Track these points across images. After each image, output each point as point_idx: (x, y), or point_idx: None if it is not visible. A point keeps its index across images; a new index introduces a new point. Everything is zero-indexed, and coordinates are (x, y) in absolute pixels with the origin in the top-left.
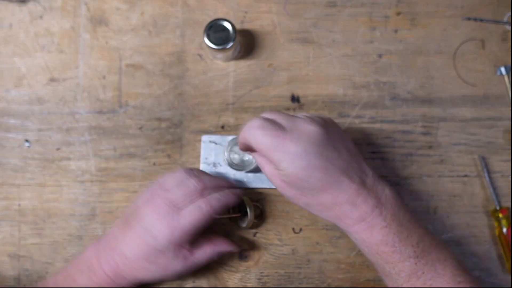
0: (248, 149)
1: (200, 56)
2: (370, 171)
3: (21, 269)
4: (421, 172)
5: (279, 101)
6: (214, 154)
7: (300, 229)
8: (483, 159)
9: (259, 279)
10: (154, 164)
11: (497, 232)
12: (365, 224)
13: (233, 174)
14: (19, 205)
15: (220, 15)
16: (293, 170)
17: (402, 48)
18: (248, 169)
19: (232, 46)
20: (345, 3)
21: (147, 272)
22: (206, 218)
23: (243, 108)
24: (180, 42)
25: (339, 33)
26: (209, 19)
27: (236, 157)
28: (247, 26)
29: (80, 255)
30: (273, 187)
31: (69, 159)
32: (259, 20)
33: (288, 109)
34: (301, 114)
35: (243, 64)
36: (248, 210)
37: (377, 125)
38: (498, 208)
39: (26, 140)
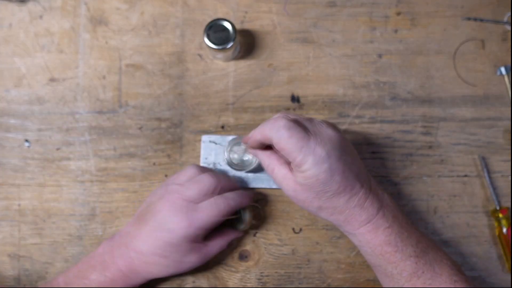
0: (259, 147)
1: (200, 56)
2: (371, 177)
3: (21, 269)
4: (421, 172)
5: (279, 101)
6: (214, 154)
7: (300, 229)
8: (483, 159)
9: (259, 279)
10: (154, 164)
11: (497, 232)
12: (370, 225)
13: (233, 174)
14: (19, 205)
15: (220, 15)
16: (315, 172)
17: (402, 48)
18: (248, 169)
19: (232, 46)
20: (345, 3)
21: (161, 267)
22: (222, 215)
23: (243, 108)
24: (180, 42)
25: (339, 33)
26: (209, 19)
27: (236, 157)
28: (247, 26)
29: (92, 252)
30: (273, 187)
31: (69, 159)
32: (259, 20)
33: (288, 109)
34: (312, 118)
35: (243, 64)
36: (246, 212)
37: (377, 125)
38: (498, 208)
39: (26, 140)
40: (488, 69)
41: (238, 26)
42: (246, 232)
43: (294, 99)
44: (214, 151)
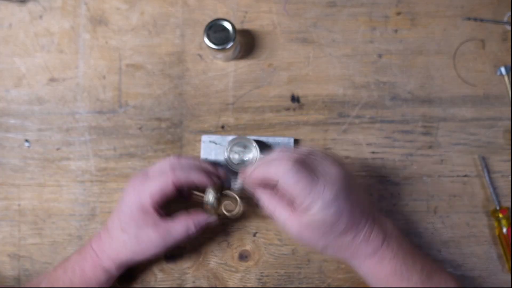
0: (262, 185)
1: (200, 56)
2: (374, 206)
3: (21, 269)
4: (421, 172)
5: (279, 101)
6: (214, 154)
7: None
8: (483, 159)
9: (259, 279)
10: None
11: (497, 232)
12: (376, 257)
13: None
14: (19, 205)
15: (220, 15)
16: (323, 215)
17: (402, 48)
18: None
19: (232, 46)
20: (345, 3)
21: (121, 243)
22: (168, 184)
23: (243, 108)
24: (180, 42)
25: (339, 33)
26: (209, 19)
27: (236, 157)
28: (247, 26)
29: None
30: None
31: (69, 159)
32: (259, 20)
33: (288, 109)
34: (313, 150)
35: (243, 64)
36: (209, 193)
37: (377, 125)
38: (498, 208)
39: (26, 140)
40: (488, 69)
41: (238, 26)
42: (246, 232)
43: (294, 99)
44: (214, 151)
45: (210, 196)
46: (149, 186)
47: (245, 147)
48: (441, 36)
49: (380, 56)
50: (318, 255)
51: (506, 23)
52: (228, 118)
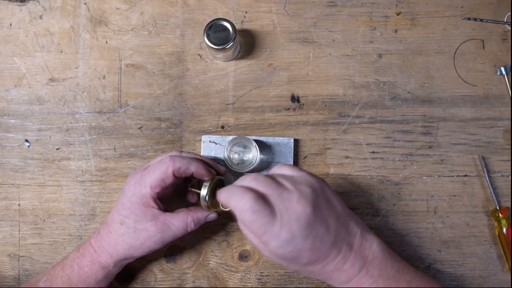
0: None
1: (200, 56)
2: (359, 228)
3: (21, 269)
4: (421, 172)
5: (279, 101)
6: (214, 154)
7: None
8: (483, 159)
9: (259, 279)
10: None
11: (497, 232)
12: (352, 283)
13: (232, 173)
14: (19, 205)
15: (220, 15)
16: (280, 252)
17: (402, 48)
18: (247, 169)
19: (232, 46)
20: (345, 3)
21: (121, 238)
22: (168, 174)
23: (243, 108)
24: (180, 42)
25: (339, 33)
26: (209, 19)
27: (235, 157)
28: (247, 26)
29: None
30: None
31: (69, 159)
32: (259, 20)
33: (288, 109)
34: (294, 176)
35: (243, 64)
36: (206, 187)
37: (377, 125)
38: (498, 208)
39: (26, 140)
40: (488, 69)
41: (238, 26)
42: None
43: (294, 99)
44: (214, 151)
45: (205, 191)
46: (149, 177)
47: (245, 147)
48: (441, 36)
49: (380, 56)
50: None
51: (506, 23)
52: (228, 118)
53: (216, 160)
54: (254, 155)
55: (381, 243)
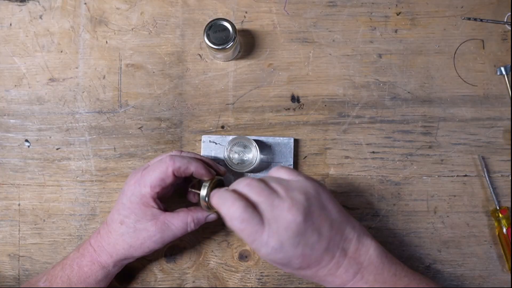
0: None
1: (200, 56)
2: (355, 233)
3: (21, 269)
4: (421, 172)
5: (279, 101)
6: (214, 154)
7: None
8: (483, 159)
9: (259, 279)
10: None
11: (497, 232)
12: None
13: (232, 173)
14: (19, 205)
15: (220, 15)
16: (271, 259)
17: (402, 48)
18: (247, 169)
19: (232, 46)
20: (345, 3)
21: (121, 237)
22: (168, 174)
23: (243, 108)
24: (180, 42)
25: (339, 33)
26: (209, 19)
27: (236, 157)
28: (247, 26)
29: None
30: None
31: (69, 159)
32: (259, 20)
33: (288, 109)
34: (290, 181)
35: (243, 64)
36: (206, 187)
37: (377, 125)
38: (498, 208)
39: (26, 140)
40: (488, 69)
41: (238, 26)
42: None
43: (294, 99)
44: (214, 151)
45: (205, 192)
46: (149, 176)
47: (245, 147)
48: (441, 36)
49: (380, 56)
50: None
51: (506, 23)
52: (228, 118)
53: (216, 160)
54: (254, 155)
55: (378, 247)
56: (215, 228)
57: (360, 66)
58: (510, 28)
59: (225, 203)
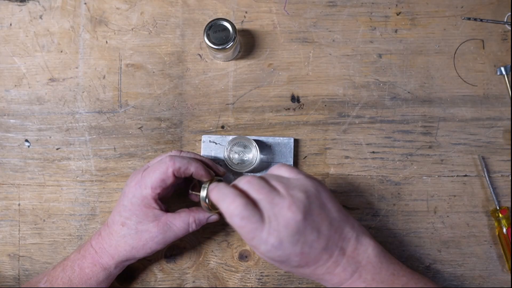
0: None
1: (200, 56)
2: (354, 233)
3: (21, 269)
4: (421, 172)
5: (279, 101)
6: (214, 154)
7: None
8: (483, 159)
9: (259, 279)
10: None
11: (497, 232)
12: (345, 286)
13: (232, 173)
14: (19, 205)
15: (220, 15)
16: (269, 256)
17: (402, 48)
18: (247, 169)
19: (232, 46)
20: (345, 3)
21: (121, 239)
22: (168, 174)
23: (243, 108)
24: (180, 42)
25: (339, 33)
26: (209, 19)
27: (236, 157)
28: (247, 26)
29: None
30: None
31: (69, 159)
32: (259, 20)
33: (288, 109)
34: (290, 179)
35: (243, 64)
36: (205, 188)
37: (377, 125)
38: (498, 208)
39: (26, 140)
40: (488, 69)
41: (238, 26)
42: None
43: (294, 99)
44: (214, 151)
45: (205, 193)
46: (150, 177)
47: (245, 147)
48: (441, 36)
49: (380, 56)
50: None
51: (506, 23)
52: (228, 118)
53: (216, 160)
54: (254, 155)
55: (377, 246)
56: (215, 228)
57: (360, 66)
58: (510, 28)
59: (225, 199)
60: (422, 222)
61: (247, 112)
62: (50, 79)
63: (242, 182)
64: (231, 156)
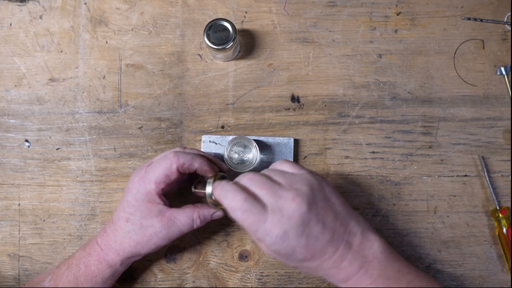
0: None
1: (200, 56)
2: (360, 228)
3: (21, 269)
4: (421, 172)
5: (279, 101)
6: (214, 154)
7: None
8: (483, 159)
9: (259, 279)
10: None
11: (497, 232)
12: (351, 282)
13: (232, 173)
14: (19, 205)
15: (220, 15)
16: (275, 249)
17: (402, 48)
18: (247, 169)
19: (232, 46)
20: (345, 3)
21: (128, 235)
22: (173, 170)
23: (243, 108)
24: (180, 42)
25: (339, 33)
26: (209, 19)
27: (236, 156)
28: (247, 26)
29: None
30: None
31: (69, 159)
32: (259, 20)
33: (288, 109)
34: (294, 174)
35: (243, 64)
36: (210, 184)
37: (377, 125)
38: (498, 208)
39: (26, 140)
40: (488, 69)
41: (238, 26)
42: (246, 232)
43: (294, 99)
44: (214, 151)
45: (210, 189)
46: (154, 173)
47: (245, 147)
48: (441, 36)
49: (380, 56)
50: None
51: (506, 23)
52: (228, 118)
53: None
54: (254, 155)
55: (383, 243)
56: (215, 228)
57: (360, 66)
58: (510, 28)
59: (227, 195)
60: (422, 222)
61: (247, 112)
62: (50, 79)
63: (245, 179)
64: (231, 156)
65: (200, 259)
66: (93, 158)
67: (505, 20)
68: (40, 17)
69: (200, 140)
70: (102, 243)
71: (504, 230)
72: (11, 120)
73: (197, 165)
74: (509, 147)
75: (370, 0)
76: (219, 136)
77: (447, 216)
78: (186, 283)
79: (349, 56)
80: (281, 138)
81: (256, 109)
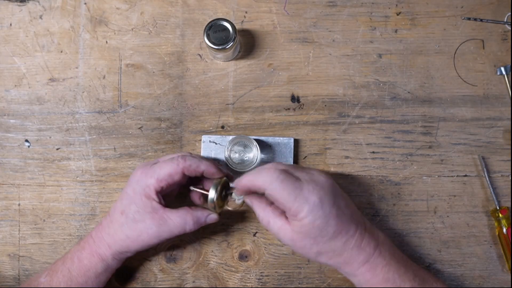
0: (248, 193)
1: (200, 56)
2: (365, 219)
3: (21, 269)
4: (421, 172)
5: (279, 101)
6: (214, 154)
7: None
8: (483, 159)
9: (259, 279)
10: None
11: (497, 232)
12: (368, 264)
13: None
14: (19, 205)
15: (220, 15)
16: (311, 219)
17: (402, 48)
18: (247, 169)
19: (232, 46)
20: (345, 3)
21: (120, 227)
22: (178, 170)
23: (243, 108)
24: (180, 42)
25: (339, 33)
26: (209, 19)
27: (236, 156)
28: (247, 26)
29: None
30: None
31: (69, 159)
32: (259, 20)
33: (288, 109)
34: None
35: (243, 64)
36: (215, 188)
37: (377, 125)
38: (498, 208)
39: (26, 140)
40: (488, 69)
41: (238, 26)
42: (246, 232)
43: (294, 99)
44: (214, 151)
45: (214, 191)
46: (158, 169)
47: (246, 146)
48: (441, 36)
49: (380, 56)
50: None
51: (506, 23)
52: (228, 118)
53: (216, 160)
54: (254, 154)
55: (383, 232)
56: (215, 228)
57: (360, 66)
58: (510, 28)
59: (262, 173)
60: (422, 222)
61: (247, 112)
62: (50, 79)
63: (262, 166)
64: (231, 155)
65: (200, 259)
66: (93, 158)
67: (505, 20)
68: (40, 17)
69: (200, 140)
70: (95, 236)
71: (504, 230)
72: (11, 120)
73: (204, 167)
74: (509, 147)
75: (370, 0)
76: (219, 136)
77: (447, 216)
78: (186, 283)
79: (349, 56)
80: (281, 138)
81: (256, 109)
